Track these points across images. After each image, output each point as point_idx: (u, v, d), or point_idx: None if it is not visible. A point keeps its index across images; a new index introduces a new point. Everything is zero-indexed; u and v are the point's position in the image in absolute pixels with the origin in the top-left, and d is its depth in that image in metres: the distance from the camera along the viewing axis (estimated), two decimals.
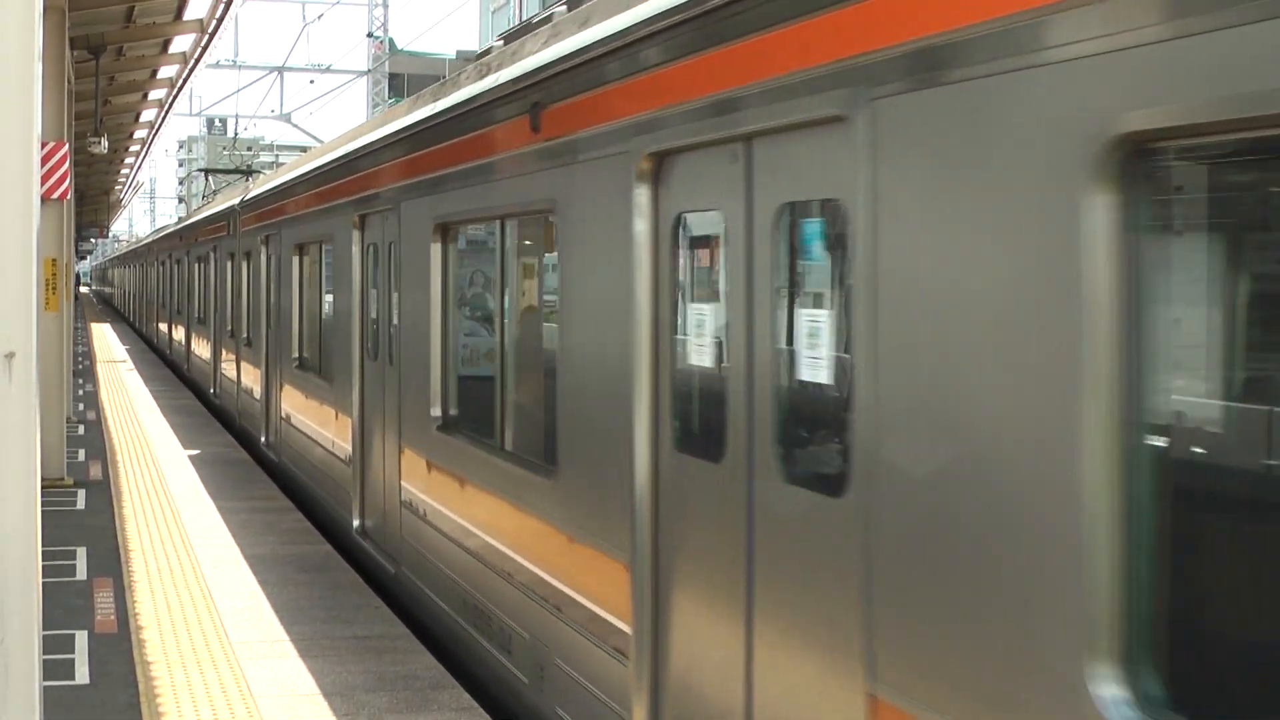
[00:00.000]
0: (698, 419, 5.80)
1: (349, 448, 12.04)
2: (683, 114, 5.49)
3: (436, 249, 9.38)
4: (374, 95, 65.54)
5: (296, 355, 15.37)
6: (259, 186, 19.11)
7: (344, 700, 7.72)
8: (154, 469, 16.33)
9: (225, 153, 61.22)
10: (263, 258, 17.81)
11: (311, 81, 48.78)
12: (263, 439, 17.67)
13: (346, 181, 12.27)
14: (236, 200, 20.91)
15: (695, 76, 5.41)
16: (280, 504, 14.13)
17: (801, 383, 4.98)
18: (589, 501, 6.51)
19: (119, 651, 8.62)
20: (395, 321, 10.52)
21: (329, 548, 11.90)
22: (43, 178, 12.65)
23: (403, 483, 10.17)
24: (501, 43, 8.78)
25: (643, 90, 5.88)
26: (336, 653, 8.64)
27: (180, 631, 9.08)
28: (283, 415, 16.08)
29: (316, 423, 13.82)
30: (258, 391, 18.23)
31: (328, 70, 49.85)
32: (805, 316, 4.93)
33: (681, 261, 5.85)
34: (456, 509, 8.80)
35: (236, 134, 57.61)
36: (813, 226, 5.05)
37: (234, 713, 7.51)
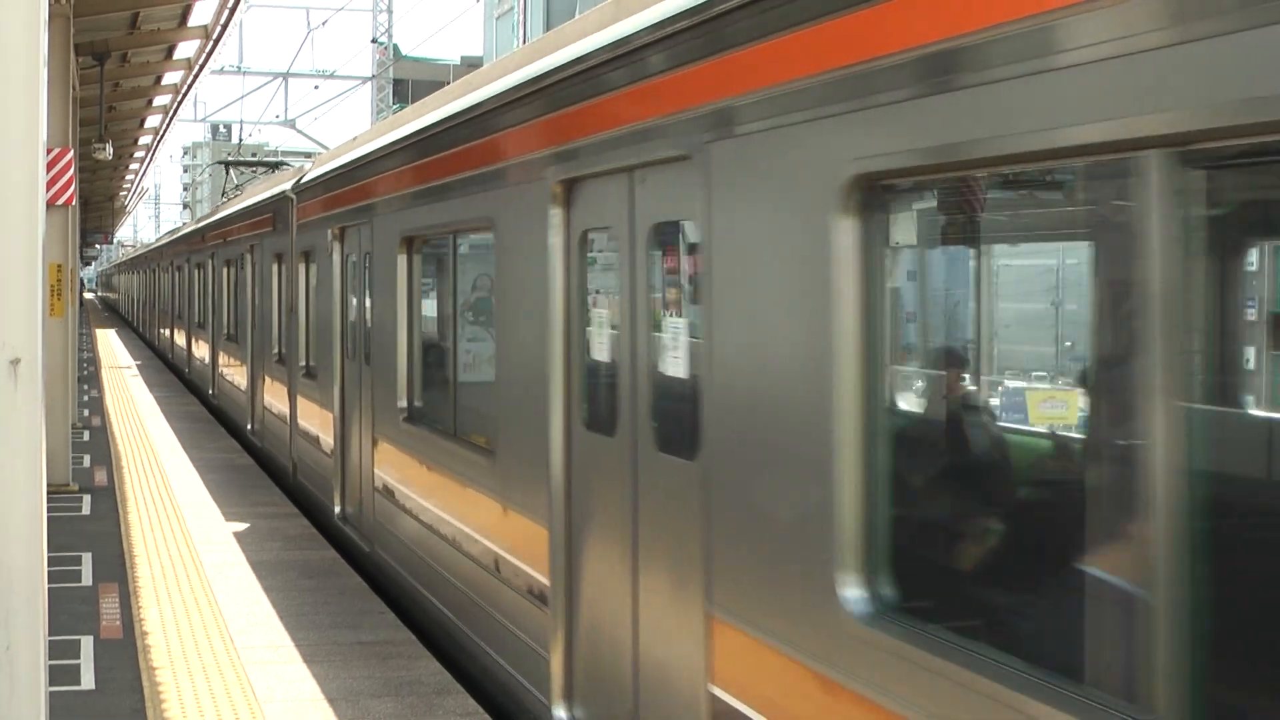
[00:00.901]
0: None
1: (538, 575, 7.24)
2: None
3: (848, 229, 4.37)
4: (378, 101, 65.54)
5: (406, 405, 10.50)
6: (331, 160, 13.90)
7: (349, 706, 7.72)
8: (159, 474, 16.34)
9: (230, 158, 61.21)
10: (335, 259, 13.07)
11: (316, 87, 49.03)
12: (337, 510, 12.86)
13: (532, 125, 7.43)
14: (288, 184, 16.13)
15: None
16: (285, 510, 14.13)
17: None
18: None
19: (124, 657, 8.62)
20: (678, 373, 5.90)
21: (334, 553, 11.87)
22: (47, 184, 12.66)
23: (716, 690, 5.27)
24: None
25: None
26: (342, 658, 8.64)
27: (185, 637, 9.08)
28: (378, 486, 11.17)
29: (455, 516, 8.91)
30: (326, 443, 13.42)
31: (332, 76, 49.94)
32: None
33: None
34: None
35: (241, 140, 57.70)
36: None
37: (239, 718, 7.51)
